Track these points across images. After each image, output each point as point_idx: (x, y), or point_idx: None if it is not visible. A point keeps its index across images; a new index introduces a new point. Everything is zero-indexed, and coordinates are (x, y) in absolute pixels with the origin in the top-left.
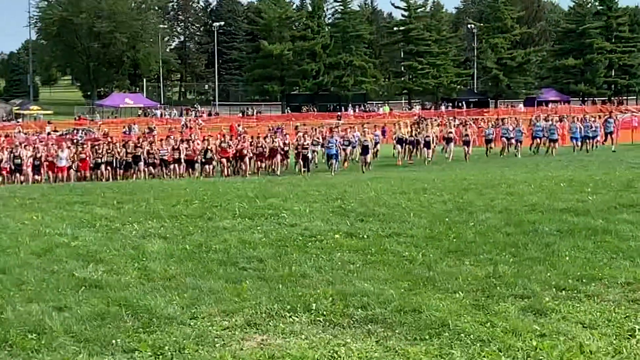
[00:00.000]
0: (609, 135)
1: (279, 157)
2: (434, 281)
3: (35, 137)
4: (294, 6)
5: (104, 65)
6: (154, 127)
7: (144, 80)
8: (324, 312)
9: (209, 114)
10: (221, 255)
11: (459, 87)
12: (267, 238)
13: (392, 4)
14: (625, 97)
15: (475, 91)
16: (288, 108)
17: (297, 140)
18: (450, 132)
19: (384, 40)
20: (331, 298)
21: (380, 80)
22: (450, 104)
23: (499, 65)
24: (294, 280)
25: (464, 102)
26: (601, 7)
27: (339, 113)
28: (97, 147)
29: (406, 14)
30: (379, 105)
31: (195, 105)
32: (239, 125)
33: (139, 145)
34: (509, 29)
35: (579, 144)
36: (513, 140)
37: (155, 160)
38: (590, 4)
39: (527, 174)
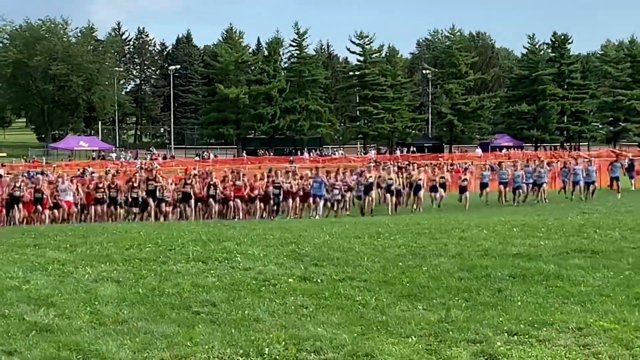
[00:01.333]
0: (614, 181)
1: (291, 200)
2: (387, 325)
3: None
4: (250, 50)
5: (59, 107)
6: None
7: (99, 123)
8: (277, 357)
9: (164, 157)
10: (174, 299)
11: (413, 131)
12: (220, 282)
13: (348, 49)
14: (577, 144)
15: (430, 136)
16: (244, 152)
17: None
18: (443, 177)
19: (339, 84)
20: (284, 342)
21: (335, 124)
22: (405, 149)
23: (454, 111)
24: (247, 325)
25: (415, 147)
26: (554, 54)
27: (291, 157)
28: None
29: (361, 59)
30: (335, 149)
31: (150, 149)
32: (194, 168)
33: (152, 178)
34: (463, 75)
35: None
36: (524, 187)
37: (168, 197)
38: (543, 51)
39: (481, 218)
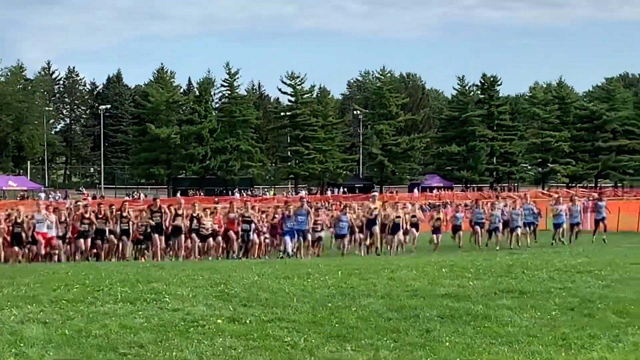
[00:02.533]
0: (600, 222)
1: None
2: None
3: None
4: (181, 90)
5: None
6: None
7: (28, 162)
8: None
9: (94, 197)
10: (101, 340)
11: (344, 172)
12: (148, 323)
13: (279, 90)
14: (507, 185)
15: (361, 176)
16: (177, 192)
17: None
18: (414, 216)
19: (271, 125)
20: None
21: (267, 164)
22: (336, 189)
23: (384, 151)
24: None
25: (346, 188)
26: (483, 96)
27: (216, 198)
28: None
29: (293, 99)
30: (266, 189)
31: (80, 188)
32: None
33: (156, 210)
34: (394, 116)
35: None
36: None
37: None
38: (472, 93)
39: (411, 259)
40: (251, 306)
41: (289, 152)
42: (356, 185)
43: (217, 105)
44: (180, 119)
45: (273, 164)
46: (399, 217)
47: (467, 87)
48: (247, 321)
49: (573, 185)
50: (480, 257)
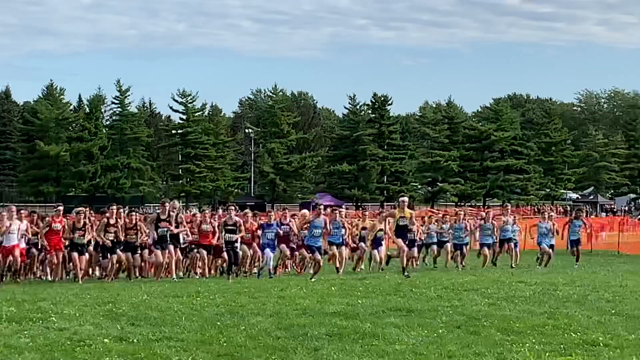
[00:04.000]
0: (575, 246)
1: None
2: None
3: None
4: (71, 107)
5: None
6: None
7: None
8: None
9: None
10: None
11: (236, 190)
12: (34, 343)
13: (171, 107)
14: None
15: (253, 195)
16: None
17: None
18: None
19: (162, 142)
20: None
21: (157, 182)
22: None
23: (276, 170)
24: None
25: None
26: (374, 115)
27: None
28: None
29: (184, 117)
30: (156, 208)
31: None
32: None
33: (166, 218)
34: (286, 134)
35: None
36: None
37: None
38: (363, 112)
39: (301, 278)
40: (139, 325)
41: (180, 170)
42: (247, 204)
43: (107, 122)
44: (70, 136)
45: (164, 182)
46: (381, 230)
47: (358, 107)
48: (135, 340)
49: (462, 204)
50: (370, 275)
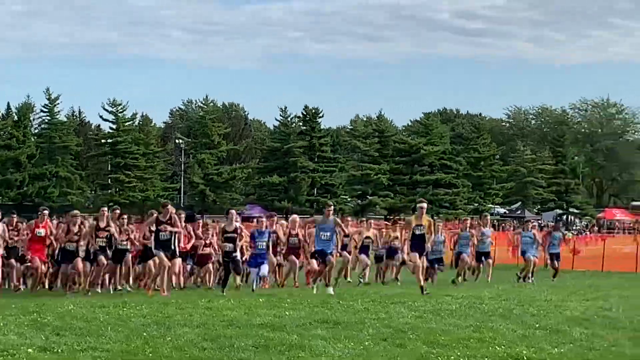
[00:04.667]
0: (554, 260)
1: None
2: None
3: None
4: None
5: None
6: None
7: None
8: None
9: None
10: None
11: (166, 200)
12: None
13: (101, 117)
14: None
15: (182, 205)
16: None
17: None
18: (368, 238)
19: (91, 152)
20: None
21: (86, 192)
22: None
23: (206, 181)
24: None
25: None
26: (305, 128)
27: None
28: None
29: (114, 126)
30: (85, 217)
31: None
32: None
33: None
34: (216, 145)
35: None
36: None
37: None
38: (294, 124)
39: (230, 290)
40: (64, 335)
41: (109, 180)
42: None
43: (36, 130)
44: None
45: (93, 192)
46: (368, 237)
47: (289, 119)
48: (59, 350)
49: (391, 217)
50: (299, 289)
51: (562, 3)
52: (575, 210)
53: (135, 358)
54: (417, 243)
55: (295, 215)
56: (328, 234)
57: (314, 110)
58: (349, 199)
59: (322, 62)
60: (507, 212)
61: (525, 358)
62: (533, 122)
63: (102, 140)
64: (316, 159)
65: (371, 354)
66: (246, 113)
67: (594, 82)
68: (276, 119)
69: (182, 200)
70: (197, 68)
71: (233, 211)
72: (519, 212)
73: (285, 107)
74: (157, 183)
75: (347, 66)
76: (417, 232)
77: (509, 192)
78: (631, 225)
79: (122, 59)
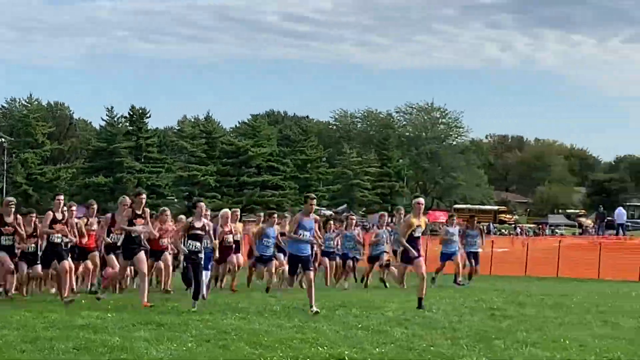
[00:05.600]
0: (473, 261)
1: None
2: None
3: None
4: None
5: None
6: None
7: None
8: None
9: None
10: None
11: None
12: None
13: None
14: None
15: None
16: None
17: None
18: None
19: None
20: None
21: None
22: None
23: (29, 181)
24: None
25: None
26: (131, 128)
27: None
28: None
29: None
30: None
31: None
32: None
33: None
34: (40, 145)
35: None
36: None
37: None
38: (121, 124)
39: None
40: None
41: None
42: None
43: None
44: None
45: None
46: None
47: (115, 119)
48: None
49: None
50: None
51: (388, 9)
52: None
53: None
54: (414, 246)
55: (225, 210)
56: (308, 233)
57: (140, 111)
58: (175, 200)
59: (149, 62)
60: (333, 214)
61: (347, 358)
62: (359, 125)
63: None
64: (143, 160)
65: (194, 355)
66: (71, 112)
67: (419, 86)
68: (102, 119)
69: None
70: (20, 66)
71: (202, 204)
72: (344, 214)
73: (112, 107)
74: None
75: (175, 66)
76: (416, 235)
77: (336, 194)
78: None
79: None
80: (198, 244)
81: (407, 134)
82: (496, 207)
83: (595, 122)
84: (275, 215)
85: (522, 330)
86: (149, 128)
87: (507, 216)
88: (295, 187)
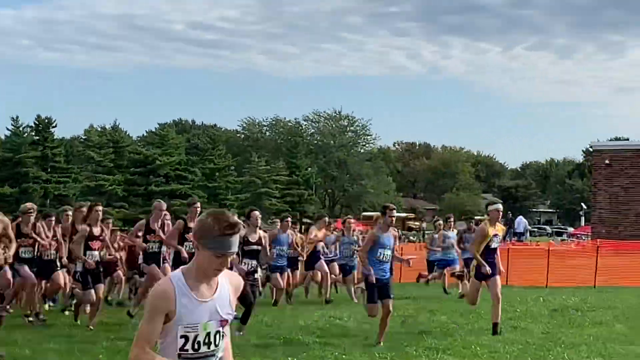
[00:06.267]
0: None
1: None
2: None
3: None
4: None
5: None
6: None
7: None
8: None
9: None
10: None
11: None
12: None
13: None
14: None
15: None
16: None
17: None
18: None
19: None
20: None
21: None
22: None
23: None
24: None
25: None
26: (37, 138)
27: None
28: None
29: None
30: None
31: None
32: None
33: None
34: None
35: None
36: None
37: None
38: (26, 134)
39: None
40: None
41: None
42: None
43: None
44: None
45: None
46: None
47: (21, 128)
48: None
49: (126, 229)
50: None
51: (295, 17)
52: (309, 221)
53: None
54: (490, 257)
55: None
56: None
57: (46, 120)
58: None
59: (55, 71)
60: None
61: None
62: (267, 133)
63: None
64: (49, 170)
65: None
66: None
67: (327, 94)
68: (7, 129)
69: None
70: None
71: (257, 213)
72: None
73: (17, 117)
74: None
75: (81, 75)
76: (493, 246)
77: (244, 202)
78: (364, 235)
79: None
80: (254, 262)
81: (316, 142)
82: (404, 215)
83: (502, 129)
84: (289, 220)
85: (433, 337)
86: (55, 138)
87: (415, 223)
88: (204, 195)
